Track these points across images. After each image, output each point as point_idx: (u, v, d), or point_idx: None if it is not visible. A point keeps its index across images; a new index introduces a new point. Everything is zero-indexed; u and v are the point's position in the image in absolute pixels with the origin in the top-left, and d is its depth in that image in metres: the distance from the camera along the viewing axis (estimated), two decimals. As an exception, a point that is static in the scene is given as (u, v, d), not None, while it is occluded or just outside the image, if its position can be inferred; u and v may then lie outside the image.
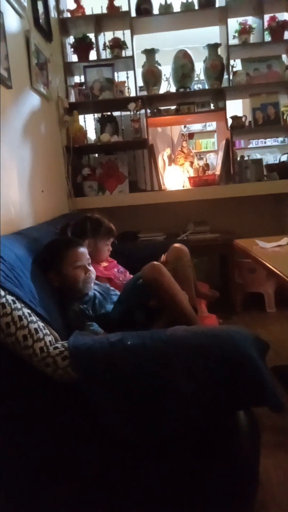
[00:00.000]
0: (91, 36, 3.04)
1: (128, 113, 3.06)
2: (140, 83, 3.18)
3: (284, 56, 3.15)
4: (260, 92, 3.10)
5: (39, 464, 1.12)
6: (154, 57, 3.10)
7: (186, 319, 1.53)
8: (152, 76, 3.09)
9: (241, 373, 1.00)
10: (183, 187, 3.16)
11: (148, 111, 3.06)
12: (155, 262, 1.60)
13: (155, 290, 1.55)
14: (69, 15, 3.04)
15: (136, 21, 3.02)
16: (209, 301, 2.10)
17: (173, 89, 3.22)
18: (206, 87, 3.15)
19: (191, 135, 5.69)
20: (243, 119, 3.09)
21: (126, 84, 3.12)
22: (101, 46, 3.12)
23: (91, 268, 1.65)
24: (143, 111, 3.01)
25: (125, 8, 2.99)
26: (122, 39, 3.10)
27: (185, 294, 1.64)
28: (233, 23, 3.07)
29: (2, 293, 1.09)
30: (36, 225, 2.01)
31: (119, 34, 3.18)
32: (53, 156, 2.63)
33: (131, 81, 3.15)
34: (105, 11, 3.05)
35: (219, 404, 1.00)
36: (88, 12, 3.07)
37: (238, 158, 3.19)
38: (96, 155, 3.38)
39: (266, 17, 3.03)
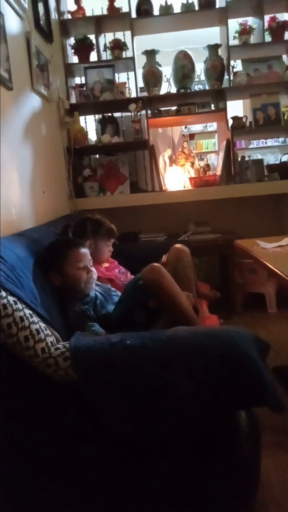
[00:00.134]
0: (92, 37, 3.05)
1: (129, 114, 3.07)
2: (141, 84, 3.18)
3: (284, 57, 3.15)
4: (260, 93, 3.10)
5: (39, 464, 1.12)
6: (154, 58, 3.11)
7: (187, 319, 1.53)
8: (152, 77, 3.09)
9: (241, 373, 1.00)
10: (184, 187, 3.16)
11: (149, 112, 3.06)
12: (155, 264, 1.61)
13: (155, 291, 1.56)
14: (69, 16, 3.05)
15: (136, 22, 3.03)
16: (210, 301, 2.11)
17: (173, 90, 3.22)
18: (207, 87, 3.15)
19: (191, 136, 5.70)
20: (244, 119, 3.10)
21: (126, 85, 3.12)
22: (101, 47, 3.12)
23: (93, 268, 1.65)
24: (143, 112, 3.01)
25: (125, 9, 3.00)
26: (123, 40, 3.11)
27: (186, 294, 1.65)
28: (233, 24, 3.07)
29: (4, 294, 1.09)
30: (37, 226, 2.02)
31: (119, 35, 3.19)
32: (54, 157, 2.63)
33: (131, 82, 3.15)
34: (105, 12, 3.05)
35: (219, 404, 1.00)
36: (88, 13, 3.07)
37: (239, 159, 3.18)
38: (97, 156, 3.39)
39: (266, 17, 3.04)
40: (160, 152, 3.23)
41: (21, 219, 1.89)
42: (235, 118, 3.08)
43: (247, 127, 3.12)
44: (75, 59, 3.16)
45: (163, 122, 3.35)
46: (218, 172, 3.16)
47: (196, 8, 3.03)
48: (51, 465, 1.12)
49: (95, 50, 3.07)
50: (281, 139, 5.24)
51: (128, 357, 1.05)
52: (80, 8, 3.03)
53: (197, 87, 3.34)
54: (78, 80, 3.33)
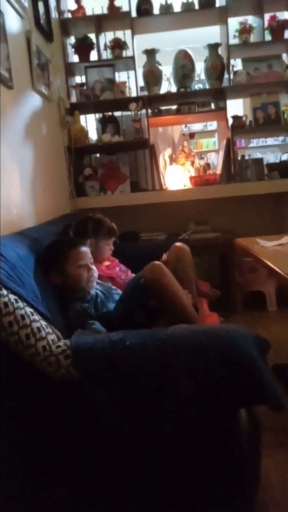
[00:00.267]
0: (92, 36, 3.04)
1: (129, 113, 3.07)
2: (141, 83, 3.18)
3: (284, 56, 3.14)
4: (260, 92, 3.09)
5: (40, 465, 1.12)
6: (154, 57, 3.10)
7: (187, 318, 1.52)
8: (152, 76, 3.09)
9: (241, 373, 1.00)
10: (184, 186, 3.16)
11: (149, 111, 3.06)
12: (156, 262, 1.60)
13: (156, 290, 1.55)
14: (70, 15, 3.04)
15: (136, 21, 3.02)
16: (210, 300, 2.11)
17: (173, 89, 3.22)
18: (207, 87, 3.15)
19: (192, 135, 5.68)
20: (244, 118, 3.09)
21: (127, 84, 3.12)
22: (102, 47, 3.12)
23: (93, 267, 1.65)
24: (144, 111, 3.01)
25: (125, 8, 2.99)
26: (123, 40, 3.10)
27: (186, 293, 1.64)
28: (234, 23, 3.07)
29: (5, 292, 1.09)
30: (37, 225, 2.02)
31: (119, 34, 3.18)
32: (54, 157, 2.63)
33: (132, 81, 3.15)
34: (105, 11, 3.05)
35: (219, 404, 1.00)
36: (88, 12, 3.07)
37: (239, 158, 3.18)
38: (98, 155, 3.39)
39: (267, 16, 3.03)
40: (160, 151, 3.23)
41: (21, 218, 1.89)
42: (235, 117, 3.08)
43: (247, 126, 3.12)
44: (75, 58, 3.15)
45: (163, 121, 3.35)
46: (218, 171, 3.16)
47: (196, 7, 3.02)
48: (51, 465, 1.12)
49: (96, 49, 3.07)
50: (281, 138, 5.22)
51: (128, 356, 1.05)
52: (80, 7, 3.02)
53: (197, 86, 3.34)
54: (78, 79, 3.32)
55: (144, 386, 1.02)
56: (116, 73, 3.16)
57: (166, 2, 3.03)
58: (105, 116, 3.21)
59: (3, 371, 1.08)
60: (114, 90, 3.04)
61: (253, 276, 3.07)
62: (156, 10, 3.04)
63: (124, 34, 3.17)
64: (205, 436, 1.04)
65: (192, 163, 3.27)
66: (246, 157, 3.28)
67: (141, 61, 3.12)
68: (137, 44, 3.14)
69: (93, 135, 3.39)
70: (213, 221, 3.17)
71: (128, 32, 3.06)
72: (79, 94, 3.05)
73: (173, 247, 1.95)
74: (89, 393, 1.03)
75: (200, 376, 1.00)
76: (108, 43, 3.13)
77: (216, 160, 3.38)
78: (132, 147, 3.23)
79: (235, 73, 3.07)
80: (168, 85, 3.28)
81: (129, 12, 2.98)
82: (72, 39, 3.12)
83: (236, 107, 3.95)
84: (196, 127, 6.00)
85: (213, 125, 5.68)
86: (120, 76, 3.29)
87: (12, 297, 1.10)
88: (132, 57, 3.05)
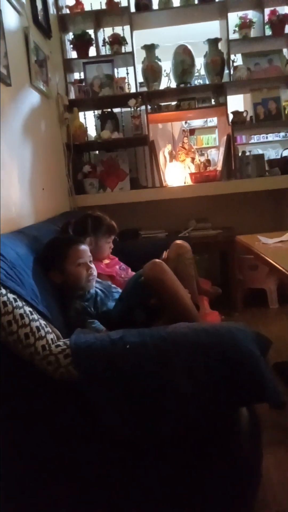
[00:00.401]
0: (91, 32, 3.02)
1: (129, 109, 3.05)
2: (140, 79, 3.16)
3: (285, 50, 3.12)
4: (261, 87, 3.07)
5: (39, 464, 1.12)
6: (154, 52, 3.08)
7: (188, 316, 1.52)
8: (152, 72, 3.07)
9: (241, 373, 0.99)
10: (185, 183, 3.14)
11: (149, 107, 3.05)
12: (157, 260, 1.60)
13: (156, 288, 1.55)
14: (68, 11, 3.03)
15: (135, 17, 3.00)
16: (211, 297, 2.10)
17: (173, 84, 3.20)
18: (207, 82, 3.13)
19: (192, 131, 5.67)
20: (244, 114, 3.07)
21: (126, 80, 3.11)
22: (100, 42, 3.10)
23: (92, 265, 1.65)
24: (143, 107, 2.99)
25: (124, 3, 2.97)
26: (122, 35, 3.09)
27: (187, 291, 1.64)
28: (233, 18, 3.05)
29: (4, 291, 1.09)
30: (37, 223, 2.01)
31: (118, 30, 3.16)
32: (53, 154, 2.62)
33: (131, 77, 3.13)
34: (104, 7, 3.03)
35: (219, 404, 0.99)
36: (87, 8, 3.05)
37: (240, 154, 3.17)
38: (97, 152, 3.37)
39: (267, 11, 3.01)
40: (160, 148, 3.21)
41: (20, 216, 1.88)
42: (235, 113, 3.06)
43: (247, 122, 3.10)
44: (74, 55, 3.14)
45: (163, 118, 3.33)
46: (219, 168, 3.15)
47: (196, 1, 3.00)
48: (51, 465, 1.12)
49: (94, 45, 3.05)
50: (282, 133, 5.21)
51: (128, 356, 1.04)
52: (78, 3, 3.00)
53: (197, 82, 3.32)
54: (77, 75, 3.31)
55: (144, 385, 1.02)
56: (115, 69, 3.13)
57: (165, -3, 3.01)
58: (104, 113, 3.20)
59: (2, 370, 1.08)
60: (113, 86, 3.02)
61: (254, 274, 3.06)
62: (155, 5, 3.02)
63: (123, 30, 3.15)
64: (205, 436, 1.04)
65: (192, 159, 3.26)
66: (247, 153, 3.26)
67: (140, 56, 3.10)
68: (136, 40, 3.12)
69: (92, 132, 3.38)
70: (213, 218, 3.16)
71: (127, 28, 3.05)
72: (78, 91, 3.03)
73: (173, 244, 1.94)
74: (88, 392, 1.03)
75: (200, 375, 1.00)
76: (106, 39, 3.12)
77: (217, 156, 3.37)
78: (132, 143, 3.21)
79: (235, 68, 3.05)
80: (167, 81, 3.26)
81: (128, 7, 2.96)
82: (70, 35, 3.10)
83: (236, 102, 3.93)
84: (196, 123, 5.97)
85: (213, 121, 5.66)
86: (119, 72, 3.26)
87: (11, 296, 1.10)
88: (131, 53, 3.03)
